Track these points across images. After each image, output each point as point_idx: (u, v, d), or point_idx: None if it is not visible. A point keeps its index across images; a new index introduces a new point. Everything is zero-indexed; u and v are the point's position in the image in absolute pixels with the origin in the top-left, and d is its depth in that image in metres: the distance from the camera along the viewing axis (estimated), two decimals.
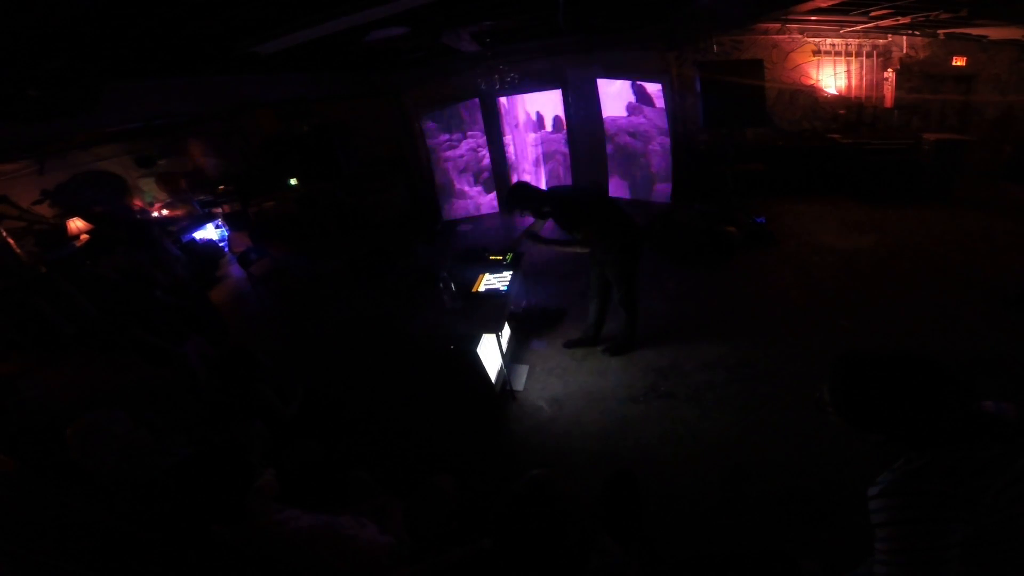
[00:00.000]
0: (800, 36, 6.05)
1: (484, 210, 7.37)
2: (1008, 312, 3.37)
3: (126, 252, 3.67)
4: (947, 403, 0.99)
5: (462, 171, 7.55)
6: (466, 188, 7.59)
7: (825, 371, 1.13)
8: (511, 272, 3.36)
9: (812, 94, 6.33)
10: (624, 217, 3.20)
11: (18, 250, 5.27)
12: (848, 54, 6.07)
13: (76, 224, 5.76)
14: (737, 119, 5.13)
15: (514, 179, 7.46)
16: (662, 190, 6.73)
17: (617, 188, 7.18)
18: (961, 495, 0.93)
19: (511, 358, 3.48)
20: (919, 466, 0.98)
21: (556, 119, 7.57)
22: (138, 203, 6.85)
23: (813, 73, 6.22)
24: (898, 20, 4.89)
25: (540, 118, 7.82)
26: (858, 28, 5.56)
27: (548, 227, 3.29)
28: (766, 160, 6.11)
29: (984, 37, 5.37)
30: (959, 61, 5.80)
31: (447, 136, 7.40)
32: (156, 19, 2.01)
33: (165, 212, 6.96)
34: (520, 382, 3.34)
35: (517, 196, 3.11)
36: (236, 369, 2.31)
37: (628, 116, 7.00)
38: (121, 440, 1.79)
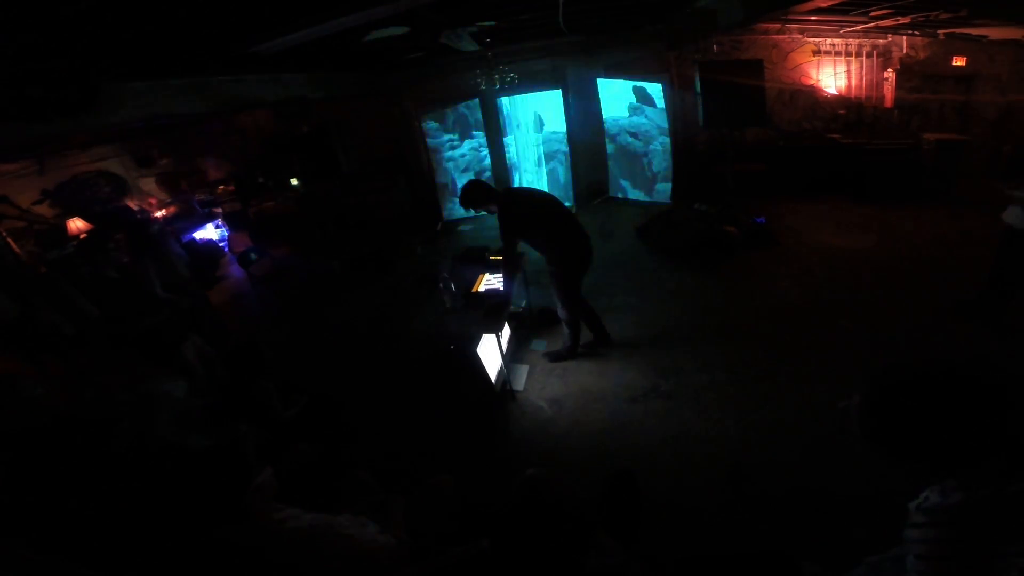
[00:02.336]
0: (800, 36, 6.06)
1: None
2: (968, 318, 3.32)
3: (124, 252, 3.67)
4: (1009, 427, 0.84)
5: (463, 171, 7.55)
6: None
7: (832, 374, 1.07)
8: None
9: (812, 94, 6.33)
10: (572, 233, 3.16)
11: (18, 250, 5.27)
12: (848, 54, 6.07)
13: (76, 224, 5.75)
14: (737, 119, 5.14)
15: (515, 179, 7.47)
16: (663, 190, 6.73)
17: (618, 188, 7.19)
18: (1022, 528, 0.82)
19: (511, 358, 3.48)
20: (982, 496, 0.85)
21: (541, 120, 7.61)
22: (135, 203, 6.85)
23: (813, 73, 6.22)
24: (898, 20, 4.89)
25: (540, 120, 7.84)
26: (858, 28, 5.56)
27: None
28: (766, 160, 6.11)
29: (984, 37, 5.37)
30: (959, 61, 5.80)
31: (448, 136, 7.40)
32: (156, 19, 2.01)
33: (165, 212, 6.96)
34: (520, 382, 3.34)
35: (469, 192, 3.10)
36: (243, 364, 2.31)
37: (629, 116, 7.01)
38: (180, 405, 1.84)
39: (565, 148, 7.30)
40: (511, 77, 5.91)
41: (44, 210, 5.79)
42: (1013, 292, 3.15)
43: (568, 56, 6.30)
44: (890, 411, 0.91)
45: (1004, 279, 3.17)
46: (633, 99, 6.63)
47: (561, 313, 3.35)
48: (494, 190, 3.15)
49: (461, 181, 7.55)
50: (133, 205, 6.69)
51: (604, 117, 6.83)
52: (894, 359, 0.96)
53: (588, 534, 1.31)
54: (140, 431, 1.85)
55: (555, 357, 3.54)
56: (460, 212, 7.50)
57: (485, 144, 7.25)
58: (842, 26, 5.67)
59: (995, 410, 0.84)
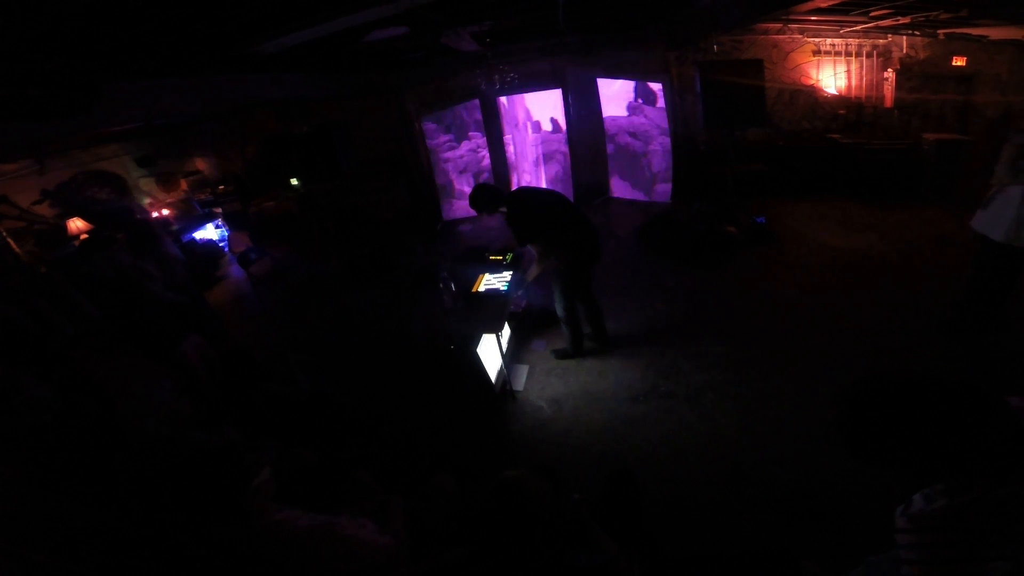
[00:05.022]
0: (800, 36, 6.05)
1: None
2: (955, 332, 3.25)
3: (123, 251, 3.67)
4: (989, 434, 0.83)
5: (462, 171, 7.56)
6: (466, 188, 7.60)
7: (832, 374, 1.08)
8: (511, 272, 3.36)
9: (812, 94, 6.32)
10: (580, 231, 3.16)
11: (18, 250, 5.27)
12: (848, 54, 6.07)
13: (76, 224, 5.75)
14: (737, 119, 5.13)
15: (514, 179, 7.47)
16: (663, 190, 6.73)
17: (618, 188, 7.19)
18: (1010, 532, 0.82)
19: (511, 358, 3.48)
20: (966, 501, 0.86)
21: (552, 120, 7.58)
22: (135, 204, 6.85)
23: (813, 73, 6.21)
24: (898, 20, 4.89)
25: (538, 122, 7.83)
26: (858, 28, 5.56)
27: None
28: (766, 160, 6.11)
29: (984, 37, 5.37)
30: (959, 61, 5.79)
31: (447, 136, 7.40)
32: (156, 19, 2.01)
33: (165, 212, 6.96)
34: (520, 382, 3.34)
35: (477, 196, 3.13)
36: (237, 370, 2.32)
37: (629, 116, 7.00)
38: (165, 406, 1.84)
39: (564, 148, 7.31)
40: (511, 77, 5.91)
41: (44, 210, 5.79)
42: (995, 302, 3.07)
43: (568, 56, 6.29)
44: (867, 420, 0.92)
45: (983, 290, 3.07)
46: (633, 97, 6.63)
47: (558, 311, 3.36)
48: (502, 192, 3.17)
49: (459, 182, 7.56)
50: (133, 205, 6.70)
51: (604, 117, 6.83)
52: (873, 368, 0.97)
53: (571, 534, 1.31)
54: (132, 431, 1.86)
55: (561, 354, 3.54)
56: (460, 212, 7.51)
57: (483, 145, 7.25)
58: (842, 26, 5.66)
59: (972, 420, 0.84)
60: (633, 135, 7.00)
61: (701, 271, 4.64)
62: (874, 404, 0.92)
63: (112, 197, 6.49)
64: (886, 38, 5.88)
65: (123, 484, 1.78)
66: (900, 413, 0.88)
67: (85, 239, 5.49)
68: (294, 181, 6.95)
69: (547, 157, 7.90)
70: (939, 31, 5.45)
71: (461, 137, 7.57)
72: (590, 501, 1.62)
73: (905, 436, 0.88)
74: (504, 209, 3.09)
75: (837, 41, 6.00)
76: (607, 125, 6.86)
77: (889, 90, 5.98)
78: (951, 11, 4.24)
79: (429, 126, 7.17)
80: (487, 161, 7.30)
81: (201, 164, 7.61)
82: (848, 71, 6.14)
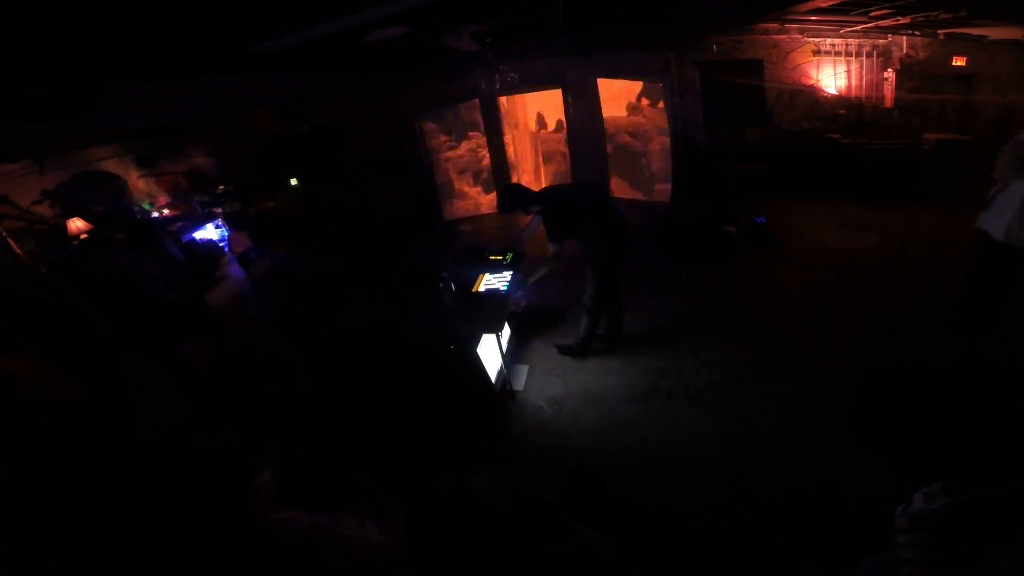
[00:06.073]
0: (800, 36, 6.05)
1: (484, 210, 7.38)
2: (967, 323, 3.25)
3: (123, 251, 3.67)
4: (996, 431, 0.84)
5: (462, 171, 7.55)
6: (466, 188, 7.59)
7: (832, 374, 1.08)
8: (511, 272, 3.36)
9: (812, 94, 6.33)
10: (614, 221, 3.21)
11: (18, 250, 5.26)
12: (848, 54, 6.07)
13: (76, 224, 5.75)
14: (737, 119, 5.13)
15: (514, 179, 7.48)
16: (662, 190, 6.73)
17: (617, 188, 7.19)
18: (1010, 532, 0.82)
19: (511, 358, 3.48)
20: (965, 500, 0.86)
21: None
22: (135, 204, 6.85)
23: (813, 73, 6.22)
24: (898, 20, 4.89)
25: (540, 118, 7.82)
26: (858, 28, 5.56)
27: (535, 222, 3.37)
28: (766, 160, 6.11)
29: (984, 37, 5.38)
30: (959, 61, 5.80)
31: (447, 136, 7.39)
32: (156, 19, 2.01)
33: (165, 212, 6.96)
34: (520, 382, 3.34)
35: (509, 196, 3.22)
36: (239, 370, 2.31)
37: (628, 115, 6.99)
38: (160, 411, 1.85)
39: (564, 148, 7.31)
40: (511, 77, 5.91)
41: (44, 210, 5.79)
42: (998, 301, 3.06)
43: (568, 56, 6.29)
44: (880, 404, 0.94)
45: (984, 290, 3.08)
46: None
47: (587, 300, 3.36)
48: (533, 192, 3.22)
49: (459, 182, 7.55)
50: (133, 205, 6.70)
51: (604, 116, 6.82)
52: (887, 356, 0.98)
53: (548, 531, 1.31)
54: (131, 431, 1.86)
55: (565, 350, 3.55)
56: (460, 212, 7.51)
57: (483, 145, 7.24)
58: (842, 26, 5.67)
59: (978, 413, 0.85)
60: (632, 135, 7.00)
61: (701, 271, 4.65)
62: (890, 389, 0.93)
63: (112, 197, 6.48)
64: (886, 38, 5.88)
65: (123, 486, 1.78)
66: (915, 401, 0.89)
67: (85, 239, 5.49)
68: (294, 181, 6.96)
69: (547, 157, 7.89)
70: (939, 31, 5.46)
71: (461, 137, 7.57)
72: (561, 500, 1.64)
73: (917, 424, 0.88)
74: (536, 208, 3.14)
75: (837, 41, 6.01)
76: (607, 124, 6.86)
77: (889, 90, 5.98)
78: (951, 11, 4.25)
79: (429, 126, 7.16)
80: (487, 161, 7.30)
81: (201, 164, 7.61)
82: (848, 71, 6.14)
